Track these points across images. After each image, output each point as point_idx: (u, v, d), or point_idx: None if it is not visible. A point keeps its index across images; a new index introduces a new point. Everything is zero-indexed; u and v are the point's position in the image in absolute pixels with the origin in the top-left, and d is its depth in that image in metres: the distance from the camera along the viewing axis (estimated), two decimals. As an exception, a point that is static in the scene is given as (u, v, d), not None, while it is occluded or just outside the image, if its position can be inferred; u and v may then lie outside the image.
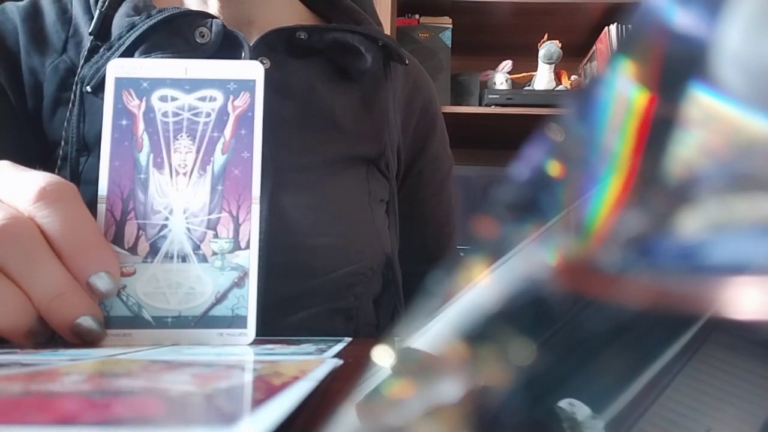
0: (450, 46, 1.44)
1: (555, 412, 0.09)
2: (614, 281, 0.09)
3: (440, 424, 0.09)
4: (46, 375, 0.15)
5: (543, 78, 1.43)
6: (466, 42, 1.50)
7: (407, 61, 0.51)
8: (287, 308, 0.42)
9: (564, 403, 0.09)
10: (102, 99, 0.39)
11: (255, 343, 0.29)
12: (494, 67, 1.50)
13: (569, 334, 0.09)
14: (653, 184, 0.10)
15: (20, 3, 0.47)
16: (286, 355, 0.22)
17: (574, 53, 1.52)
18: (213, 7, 0.47)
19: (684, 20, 0.10)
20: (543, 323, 0.10)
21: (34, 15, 0.46)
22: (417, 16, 1.46)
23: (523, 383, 0.09)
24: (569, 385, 0.09)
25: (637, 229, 0.09)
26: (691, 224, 0.09)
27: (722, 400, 0.09)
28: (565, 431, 0.09)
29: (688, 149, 0.10)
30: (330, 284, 0.44)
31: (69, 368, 0.16)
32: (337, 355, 0.22)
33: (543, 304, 0.10)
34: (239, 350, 0.25)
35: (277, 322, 0.41)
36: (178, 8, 0.42)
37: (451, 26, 1.44)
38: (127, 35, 0.40)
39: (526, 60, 1.47)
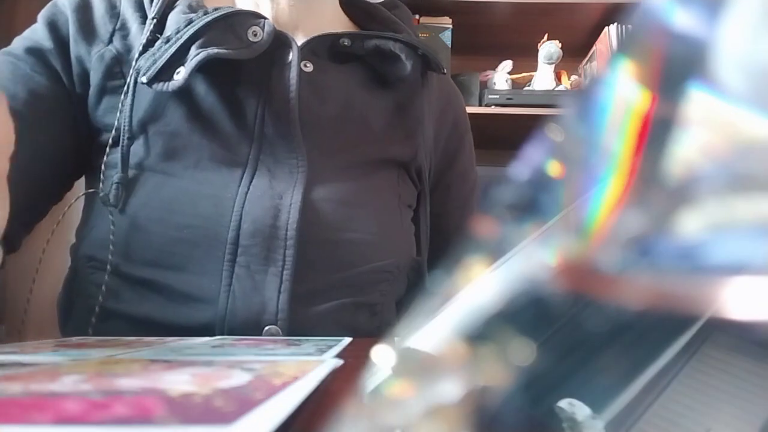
0: (450, 46, 1.44)
1: (555, 412, 0.09)
2: (614, 281, 0.09)
3: (440, 424, 0.09)
4: (46, 375, 0.15)
5: (543, 78, 1.43)
6: (466, 42, 1.50)
7: (445, 70, 0.52)
8: (315, 298, 0.43)
9: (564, 403, 0.09)
10: (155, 90, 0.41)
11: (255, 343, 0.29)
12: (494, 67, 1.50)
13: (569, 334, 0.09)
14: (653, 184, 0.10)
15: None
16: (286, 355, 0.22)
17: (574, 53, 1.52)
18: (264, 10, 0.50)
19: (684, 20, 0.10)
20: (543, 323, 0.10)
21: (83, 8, 0.48)
22: (417, 16, 1.46)
23: (523, 383, 0.09)
24: (569, 385, 0.09)
25: (637, 229, 0.09)
26: (691, 224, 0.09)
27: (722, 400, 0.09)
28: (565, 431, 0.09)
29: (688, 149, 0.10)
30: (357, 278, 0.45)
31: (69, 368, 0.16)
32: (337, 355, 0.22)
33: (543, 304, 0.10)
34: (239, 350, 0.25)
35: (305, 311, 0.42)
36: (232, 7, 0.44)
37: (451, 26, 1.44)
38: (185, 29, 0.42)
39: (526, 60, 1.47)
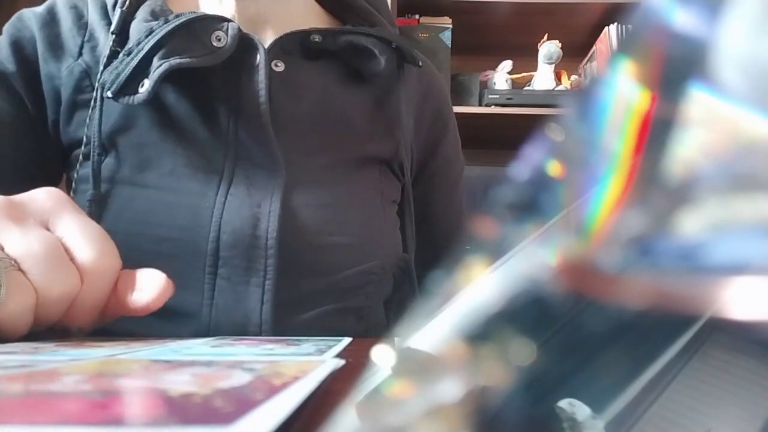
0: (450, 46, 1.44)
1: (555, 412, 0.09)
2: (614, 281, 0.09)
3: (440, 424, 0.09)
4: (46, 375, 0.15)
5: (543, 78, 1.44)
6: (466, 42, 1.50)
7: (420, 63, 0.51)
8: (299, 306, 0.43)
9: (564, 403, 0.09)
10: (122, 104, 0.40)
11: (255, 343, 0.29)
12: (494, 67, 1.50)
13: (569, 335, 0.09)
14: (653, 184, 0.10)
15: (37, 10, 0.47)
16: (286, 355, 0.22)
17: (574, 53, 1.52)
18: (229, 6, 0.48)
19: (684, 20, 0.10)
20: (543, 323, 0.10)
21: (50, 22, 0.46)
22: (417, 16, 1.46)
23: (523, 383, 0.09)
24: (569, 385, 0.09)
25: (637, 229, 0.09)
26: (691, 224, 0.09)
27: (722, 400, 0.09)
28: (565, 431, 0.09)
29: (688, 149, 0.10)
30: (342, 283, 0.44)
31: (69, 368, 0.16)
32: (338, 355, 0.22)
33: (543, 304, 0.10)
34: (239, 350, 0.25)
35: (289, 319, 0.41)
36: (194, 13, 0.42)
37: (451, 26, 1.44)
38: (146, 40, 0.41)
39: (526, 60, 1.47)
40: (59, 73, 0.45)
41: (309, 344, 0.27)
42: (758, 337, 0.09)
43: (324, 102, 0.47)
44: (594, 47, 1.49)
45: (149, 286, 0.30)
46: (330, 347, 0.26)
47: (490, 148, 1.49)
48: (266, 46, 0.44)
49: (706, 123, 0.10)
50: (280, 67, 0.45)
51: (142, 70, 0.40)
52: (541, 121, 0.11)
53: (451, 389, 0.09)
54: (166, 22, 0.41)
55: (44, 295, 0.27)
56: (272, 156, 0.43)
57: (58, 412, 0.10)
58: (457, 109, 1.35)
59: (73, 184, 0.44)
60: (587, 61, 1.55)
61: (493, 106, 1.37)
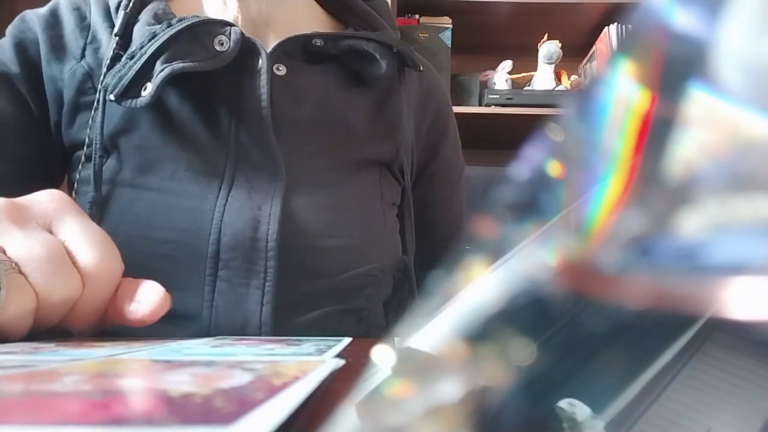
0: (450, 46, 1.44)
1: (555, 412, 0.09)
2: (614, 281, 0.09)
3: (440, 424, 0.09)
4: (46, 375, 0.15)
5: (543, 78, 1.44)
6: (466, 42, 1.50)
7: (421, 68, 0.51)
8: (299, 308, 0.43)
9: (564, 403, 0.09)
10: (125, 107, 0.40)
11: (255, 343, 0.29)
12: (494, 67, 1.50)
13: (569, 335, 0.09)
14: (653, 184, 0.10)
15: (40, 11, 0.47)
16: (286, 355, 0.22)
17: (574, 53, 1.52)
18: (232, 9, 0.48)
19: (684, 20, 0.10)
20: (543, 323, 0.10)
21: (53, 23, 0.46)
22: (417, 16, 1.46)
23: (523, 383, 0.09)
24: (569, 385, 0.09)
25: (637, 229, 0.09)
26: (691, 224, 0.09)
27: (722, 400, 0.09)
28: (565, 431, 0.09)
29: (688, 149, 0.10)
30: (341, 285, 0.44)
31: (69, 368, 0.16)
32: (338, 355, 0.22)
33: (543, 304, 0.10)
34: (239, 350, 0.25)
35: (289, 321, 0.41)
36: (197, 17, 0.42)
37: (451, 26, 1.44)
38: (149, 44, 0.41)
39: (526, 60, 1.47)
40: (62, 75, 0.45)
41: (309, 344, 0.27)
42: (758, 337, 0.09)
43: (325, 105, 0.47)
44: (594, 47, 1.49)
45: (147, 299, 0.31)
46: (330, 347, 0.26)
47: (490, 148, 1.49)
48: (268, 50, 0.44)
49: (706, 123, 0.10)
50: (281, 70, 0.45)
51: (144, 73, 0.40)
52: (541, 121, 0.11)
53: (451, 389, 0.09)
54: (169, 26, 0.41)
55: (45, 299, 0.27)
56: (273, 159, 0.43)
57: (58, 412, 0.10)
58: (457, 109, 1.35)
59: (75, 186, 0.44)
60: (587, 61, 1.55)
61: (493, 106, 1.37)
